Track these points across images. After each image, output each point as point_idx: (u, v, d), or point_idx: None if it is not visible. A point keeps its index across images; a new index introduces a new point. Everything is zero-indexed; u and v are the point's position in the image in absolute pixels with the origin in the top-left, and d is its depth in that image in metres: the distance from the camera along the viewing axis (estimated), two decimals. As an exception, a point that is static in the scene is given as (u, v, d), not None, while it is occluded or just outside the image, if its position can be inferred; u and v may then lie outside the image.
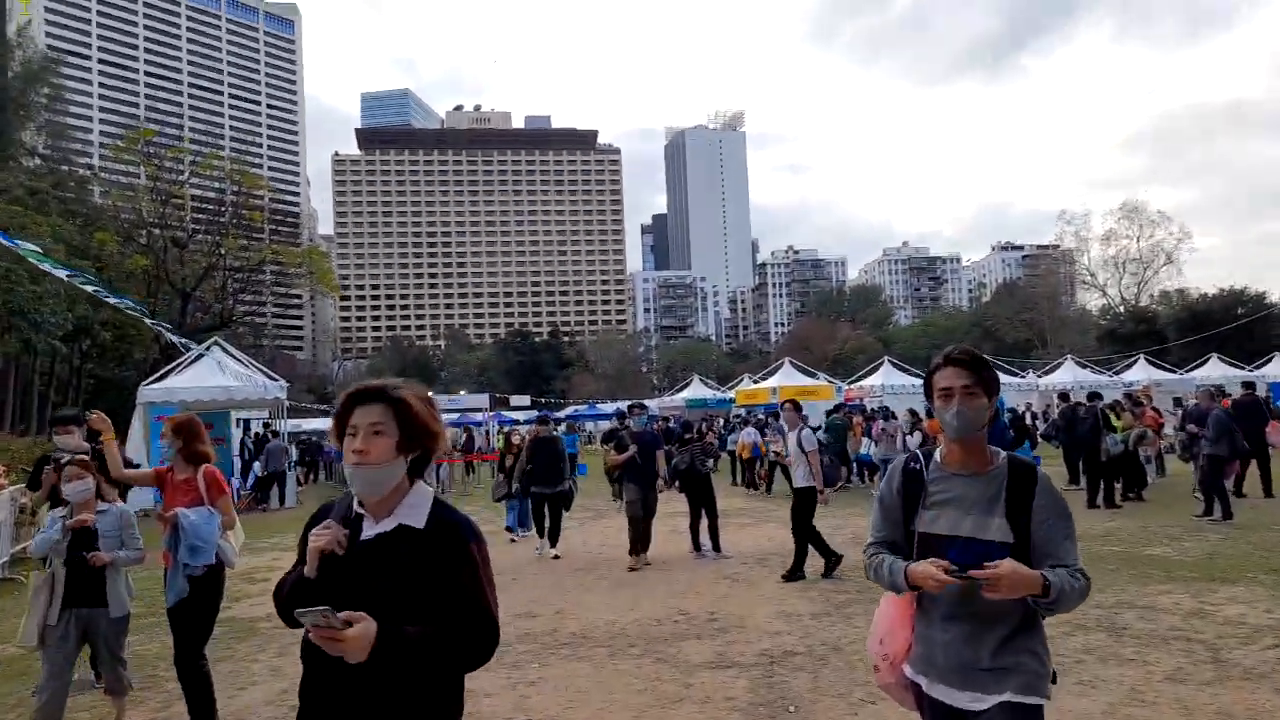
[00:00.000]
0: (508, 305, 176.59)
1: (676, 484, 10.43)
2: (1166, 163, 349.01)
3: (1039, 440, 17.15)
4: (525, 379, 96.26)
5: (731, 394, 36.49)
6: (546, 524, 10.73)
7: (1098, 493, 13.24)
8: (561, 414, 55.14)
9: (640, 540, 9.76)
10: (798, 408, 9.38)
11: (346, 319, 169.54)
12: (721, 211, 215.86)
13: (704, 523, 10.27)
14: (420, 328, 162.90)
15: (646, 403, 49.48)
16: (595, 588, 8.65)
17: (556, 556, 10.45)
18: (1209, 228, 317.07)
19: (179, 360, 20.96)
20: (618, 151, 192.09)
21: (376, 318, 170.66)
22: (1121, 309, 71.21)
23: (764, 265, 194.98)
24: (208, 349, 20.86)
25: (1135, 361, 41.44)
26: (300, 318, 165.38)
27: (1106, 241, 72.46)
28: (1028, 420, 21.45)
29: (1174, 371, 40.76)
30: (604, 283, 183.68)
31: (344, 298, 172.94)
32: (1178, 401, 31.72)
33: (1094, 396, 14.35)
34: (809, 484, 8.71)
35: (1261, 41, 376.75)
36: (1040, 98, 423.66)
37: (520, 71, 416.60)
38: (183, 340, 20.09)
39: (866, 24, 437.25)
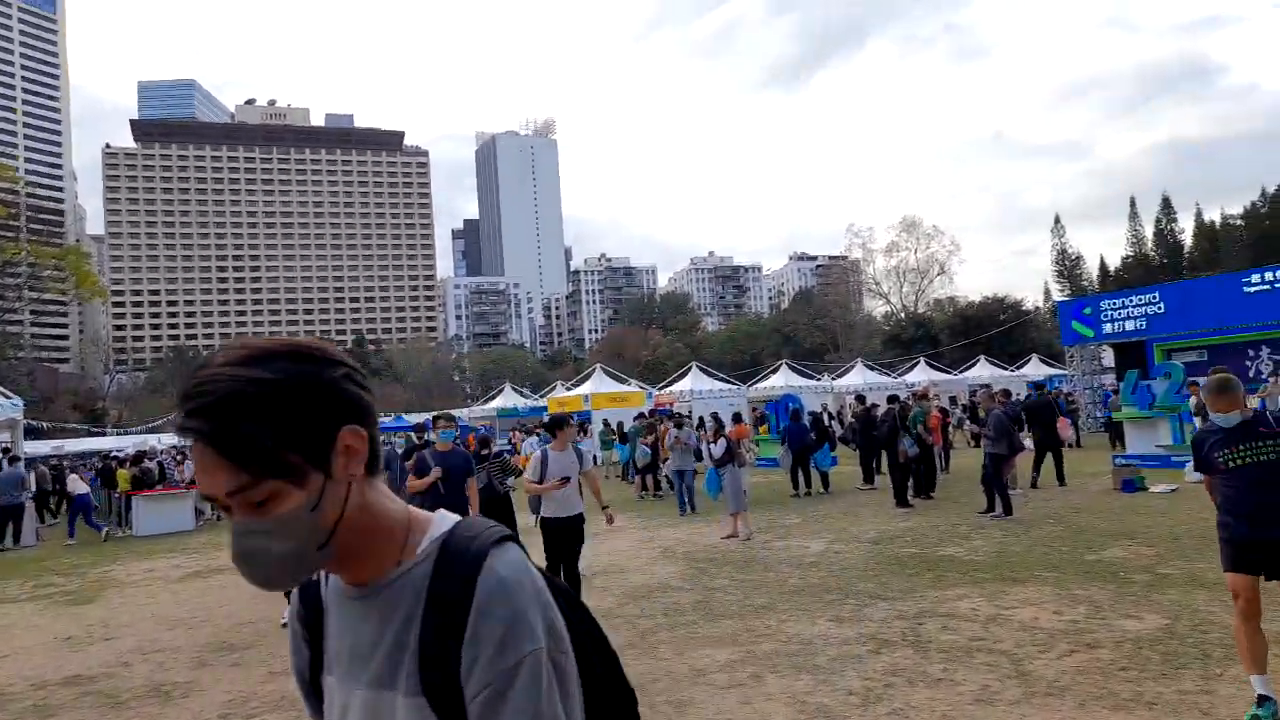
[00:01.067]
0: (307, 311, 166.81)
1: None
2: (943, 180, 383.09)
3: (837, 443, 17.58)
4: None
5: (544, 402, 35.77)
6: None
7: (904, 492, 13.66)
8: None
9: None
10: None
11: (121, 326, 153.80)
12: (534, 218, 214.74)
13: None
14: (208, 336, 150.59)
15: (456, 413, 48.10)
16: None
17: None
18: (976, 241, 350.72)
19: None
20: (425, 154, 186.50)
21: (156, 325, 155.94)
22: (903, 315, 77.04)
23: (578, 273, 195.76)
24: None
25: (916, 364, 44.48)
26: (65, 325, 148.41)
27: (889, 253, 78.34)
28: (825, 422, 22.23)
29: (949, 372, 44.07)
30: (413, 289, 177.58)
31: (118, 304, 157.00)
32: (953, 400, 34.30)
33: (893, 399, 14.82)
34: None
35: (1018, 73, 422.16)
36: (838, 115, 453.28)
37: (320, 69, 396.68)
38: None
39: (677, 37, 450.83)
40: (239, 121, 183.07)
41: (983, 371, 43.25)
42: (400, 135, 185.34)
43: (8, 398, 18.10)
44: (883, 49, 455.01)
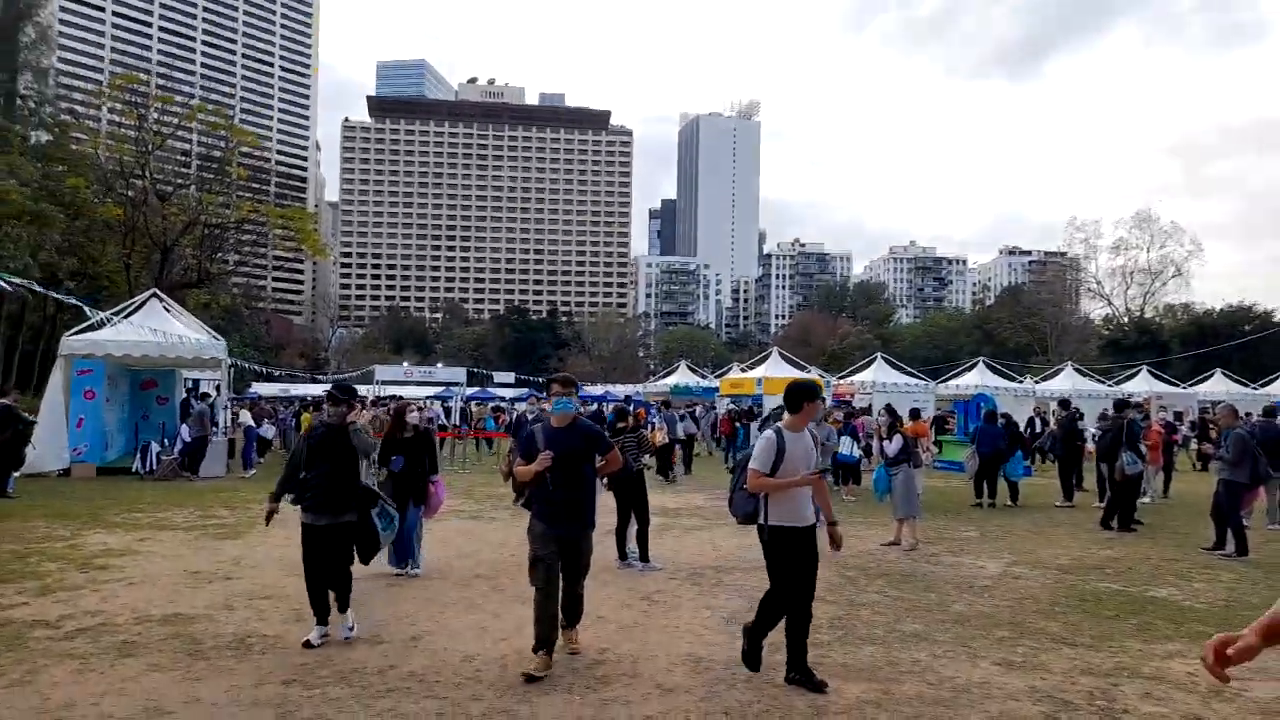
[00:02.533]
0: (508, 282, 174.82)
1: (605, 481, 8.90)
2: (1185, 177, 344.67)
3: (1033, 452, 15.56)
4: (520, 357, 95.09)
5: (717, 382, 34.96)
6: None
7: (1114, 514, 11.80)
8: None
9: (546, 623, 5.33)
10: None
11: (347, 285, 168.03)
12: (731, 201, 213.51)
13: (634, 528, 8.77)
14: (420, 299, 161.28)
15: (633, 389, 48.16)
16: (479, 606, 7.14)
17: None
18: (1219, 244, 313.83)
19: (118, 309, 19.41)
20: (630, 133, 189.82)
21: (376, 287, 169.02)
22: (1126, 319, 69.89)
23: (769, 256, 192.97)
24: (144, 302, 19.32)
25: (1138, 372, 39.96)
26: (301, 283, 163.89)
27: (1116, 250, 71.12)
28: (1038, 428, 19.89)
29: (1176, 384, 39.45)
30: (607, 265, 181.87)
31: (345, 265, 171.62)
32: (1178, 416, 30.34)
33: (1122, 406, 12.83)
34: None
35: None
36: (1064, 104, 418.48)
37: (538, 49, 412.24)
38: (95, 311, 18.39)
39: (894, 20, 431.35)
40: (461, 99, 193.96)
41: (1218, 386, 38.34)
42: (607, 115, 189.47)
43: (216, 338, 19.46)
44: (1127, 33, 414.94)
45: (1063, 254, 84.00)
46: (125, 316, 19.07)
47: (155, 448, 17.40)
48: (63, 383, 17.50)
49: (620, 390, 51.23)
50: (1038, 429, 19.50)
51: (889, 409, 11.35)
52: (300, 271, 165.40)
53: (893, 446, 10.62)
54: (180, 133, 44.02)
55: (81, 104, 50.98)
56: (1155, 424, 14.81)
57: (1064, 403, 16.01)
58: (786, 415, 5.32)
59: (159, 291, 20.07)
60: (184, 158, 47.21)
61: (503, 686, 5.04)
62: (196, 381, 23.97)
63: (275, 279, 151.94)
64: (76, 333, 17.67)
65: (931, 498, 15.27)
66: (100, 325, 18.10)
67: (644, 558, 8.62)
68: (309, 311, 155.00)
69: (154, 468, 17.28)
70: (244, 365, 29.98)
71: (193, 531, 10.50)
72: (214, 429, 17.39)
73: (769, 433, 5.31)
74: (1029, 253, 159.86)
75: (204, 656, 5.47)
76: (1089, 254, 73.51)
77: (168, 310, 19.54)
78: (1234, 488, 10.25)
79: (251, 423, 17.43)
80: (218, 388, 24.75)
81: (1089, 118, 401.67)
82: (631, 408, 11.36)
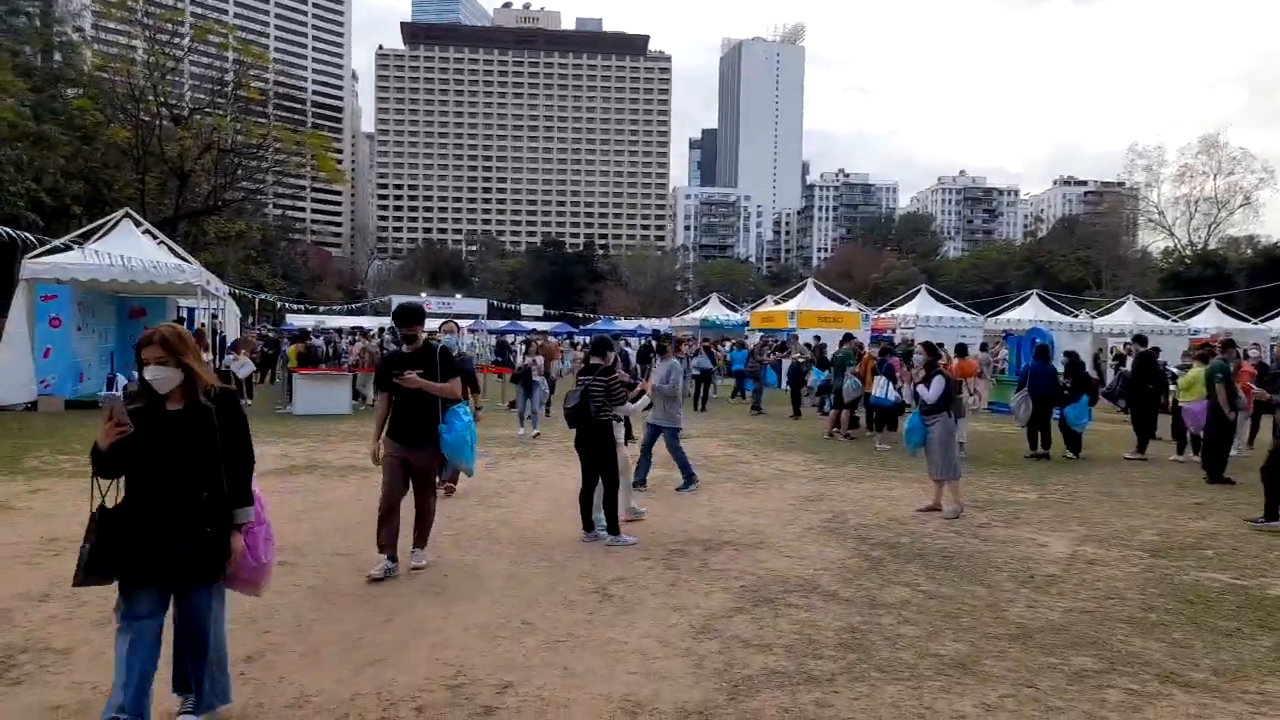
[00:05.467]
0: (546, 213, 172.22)
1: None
2: (1256, 103, 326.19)
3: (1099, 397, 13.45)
4: (556, 290, 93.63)
5: (747, 316, 32.92)
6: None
7: (1223, 466, 9.97)
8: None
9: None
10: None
11: (384, 218, 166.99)
12: (774, 129, 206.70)
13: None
14: (457, 231, 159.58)
15: (666, 323, 46.33)
16: (407, 601, 5.46)
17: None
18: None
19: (84, 231, 17.92)
20: (669, 59, 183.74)
21: (414, 219, 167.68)
22: (1188, 251, 65.98)
23: (812, 188, 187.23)
24: (116, 223, 17.78)
25: (1205, 307, 37.14)
26: (339, 215, 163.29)
27: (1180, 178, 66.74)
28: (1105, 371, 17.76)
29: (1246, 320, 36.60)
30: (645, 197, 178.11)
31: (382, 196, 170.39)
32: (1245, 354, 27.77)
33: (1228, 345, 10.86)
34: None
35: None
36: (1128, 28, 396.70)
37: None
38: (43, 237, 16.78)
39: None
40: (496, 25, 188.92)
41: (1294, 322, 35.41)
42: (645, 39, 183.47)
43: (188, 261, 17.96)
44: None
45: (1121, 185, 79.51)
46: (99, 238, 17.56)
47: (122, 380, 16.03)
48: (26, 310, 16.17)
49: (651, 325, 49.50)
50: (1104, 371, 17.36)
51: (927, 345, 9.32)
52: (338, 204, 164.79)
53: (932, 391, 8.60)
54: (193, 56, 42.23)
55: (95, 26, 49.29)
56: (1248, 364, 12.61)
57: (1140, 338, 13.81)
58: None
59: (131, 212, 18.47)
60: (194, 82, 45.45)
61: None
62: (191, 310, 22.57)
63: (315, 210, 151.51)
64: (36, 256, 16.22)
65: (979, 447, 13.34)
66: (65, 248, 16.64)
67: (612, 529, 6.87)
68: (348, 244, 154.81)
69: (125, 403, 15.96)
70: (249, 295, 28.59)
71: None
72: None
73: None
74: (1084, 183, 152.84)
75: None
76: (1151, 182, 69.26)
77: (156, 235, 18.10)
78: None
79: (205, 357, 15.81)
80: (213, 316, 23.53)
81: (1153, 43, 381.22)
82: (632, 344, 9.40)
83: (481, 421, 7.86)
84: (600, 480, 6.90)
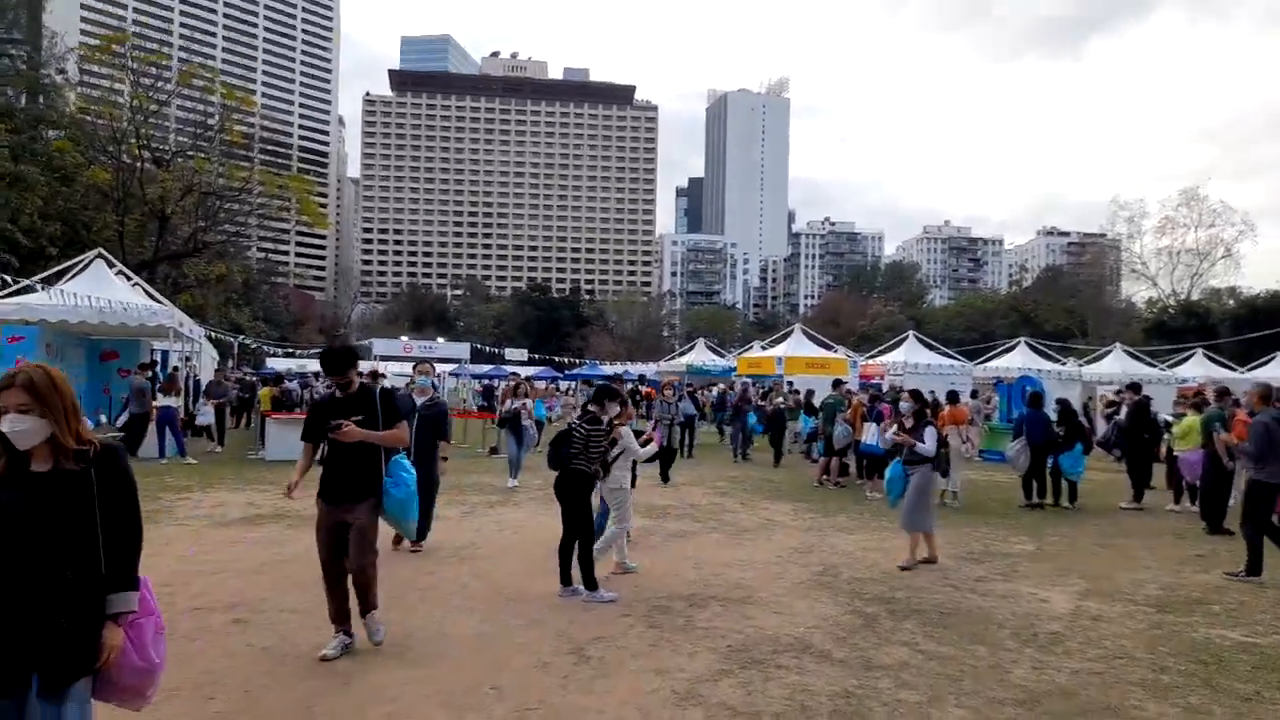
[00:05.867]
0: (531, 259, 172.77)
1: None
2: (1231, 158, 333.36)
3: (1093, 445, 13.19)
4: (541, 335, 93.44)
5: (735, 361, 32.69)
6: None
7: (1223, 517, 9.84)
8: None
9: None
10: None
11: (369, 262, 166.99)
12: (760, 178, 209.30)
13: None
14: (441, 275, 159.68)
15: (651, 368, 46.11)
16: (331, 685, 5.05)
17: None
18: (1263, 229, 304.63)
19: (56, 270, 17.56)
20: (655, 109, 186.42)
21: (399, 263, 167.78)
22: (1172, 301, 66.68)
23: (798, 236, 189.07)
24: (88, 264, 17.44)
25: (1191, 355, 37.23)
26: (323, 258, 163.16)
27: (1161, 230, 67.77)
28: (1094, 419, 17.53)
29: (1232, 368, 36.71)
30: (631, 243, 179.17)
31: (366, 240, 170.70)
32: (1237, 403, 27.72)
33: (1223, 393, 10.70)
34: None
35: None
36: (1105, 83, 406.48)
37: (563, 24, 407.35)
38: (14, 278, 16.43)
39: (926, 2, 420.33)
40: (483, 74, 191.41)
41: (1278, 370, 35.50)
42: (631, 90, 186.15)
43: (161, 304, 17.60)
44: (1171, 14, 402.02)
45: (1103, 235, 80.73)
46: (70, 279, 17.21)
47: (88, 423, 15.55)
48: (-10, 351, 15.71)
49: (637, 370, 49.17)
50: (1094, 420, 17.15)
51: (915, 394, 9.04)
52: (322, 248, 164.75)
53: (929, 443, 8.26)
54: (175, 100, 42.29)
55: (85, 72, 49.43)
56: (1241, 412, 12.41)
57: (1134, 386, 13.61)
58: None
59: (104, 252, 18.15)
60: (177, 125, 45.48)
61: None
62: (166, 353, 22.13)
63: (298, 254, 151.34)
64: (4, 296, 15.83)
65: (972, 496, 13.04)
66: (34, 290, 16.26)
67: (588, 584, 6.48)
68: (331, 288, 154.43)
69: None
70: (225, 338, 28.18)
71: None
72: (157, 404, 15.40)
73: None
74: (1067, 234, 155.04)
75: None
76: (1133, 233, 70.25)
77: (130, 277, 17.74)
78: (1261, 492, 7.97)
79: (169, 401, 15.16)
80: (186, 359, 23.10)
81: (1130, 99, 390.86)
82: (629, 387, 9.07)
83: (453, 470, 7.47)
84: (573, 533, 6.54)
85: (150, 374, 16.14)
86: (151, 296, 17.82)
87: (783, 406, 19.91)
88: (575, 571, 6.57)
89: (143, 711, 2.90)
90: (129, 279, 18.65)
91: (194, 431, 19.58)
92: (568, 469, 6.53)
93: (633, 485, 8.01)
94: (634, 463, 7.70)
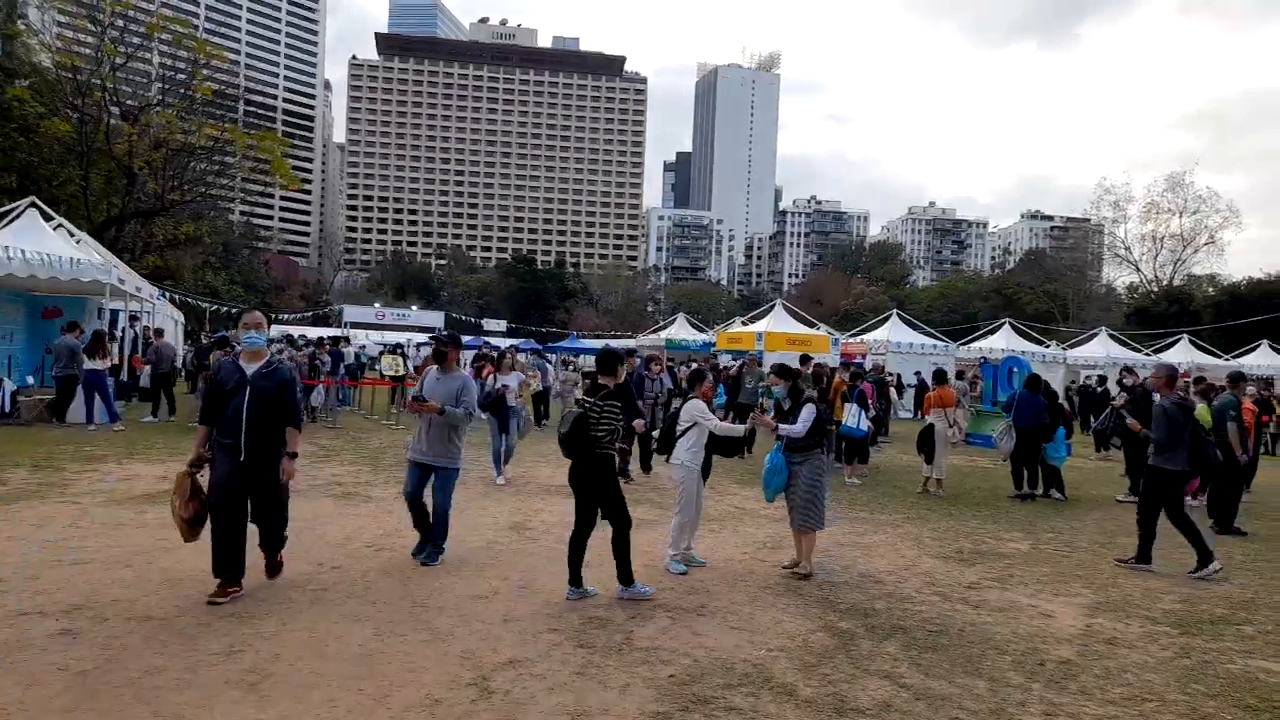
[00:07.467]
0: (517, 229, 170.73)
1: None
2: (1216, 147, 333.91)
3: (1074, 430, 12.29)
4: (525, 306, 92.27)
5: (714, 336, 31.70)
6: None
7: (1234, 515, 9.35)
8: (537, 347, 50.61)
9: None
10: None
11: (353, 229, 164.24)
12: (748, 155, 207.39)
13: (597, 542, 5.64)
14: (426, 244, 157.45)
15: (634, 342, 44.95)
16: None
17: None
18: (1251, 217, 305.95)
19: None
20: (644, 81, 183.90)
21: (383, 230, 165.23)
22: (1155, 287, 66.31)
23: (785, 213, 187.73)
24: (21, 212, 16.11)
25: (1177, 341, 36.79)
26: (308, 224, 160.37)
27: (1146, 215, 67.29)
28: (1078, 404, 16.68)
29: (1217, 355, 36.48)
30: (618, 216, 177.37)
31: (351, 206, 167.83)
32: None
33: (1237, 379, 9.84)
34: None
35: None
36: (1095, 70, 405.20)
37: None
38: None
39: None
40: (471, 40, 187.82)
41: (1264, 360, 35.23)
42: (621, 60, 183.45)
43: (97, 259, 16.36)
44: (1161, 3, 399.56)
45: (1086, 220, 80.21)
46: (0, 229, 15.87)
47: (9, 385, 14.35)
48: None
49: (620, 344, 48.08)
50: (1074, 403, 16.30)
51: (781, 370, 7.40)
52: (308, 213, 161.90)
53: (800, 423, 6.70)
54: (144, 52, 40.37)
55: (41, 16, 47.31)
56: (1248, 402, 11.55)
57: (1128, 369, 12.70)
58: None
59: (38, 201, 16.80)
60: (144, 79, 43.57)
61: None
62: (116, 313, 20.84)
63: (282, 219, 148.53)
64: (-81, 245, 14.48)
65: (957, 484, 12.13)
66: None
67: (623, 578, 5.80)
68: (315, 254, 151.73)
69: (12, 409, 14.28)
70: (199, 303, 26.76)
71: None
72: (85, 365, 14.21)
73: None
74: (1051, 218, 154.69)
75: None
76: (1118, 218, 69.73)
77: (73, 232, 16.45)
78: (1168, 481, 7.44)
79: (95, 364, 13.94)
80: (133, 317, 21.88)
81: (1119, 85, 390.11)
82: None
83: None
84: (610, 523, 5.74)
85: (79, 333, 14.89)
86: (100, 253, 16.53)
87: (761, 388, 18.91)
88: (586, 570, 5.83)
89: None
90: (72, 235, 17.35)
91: (141, 396, 18.42)
92: (592, 454, 5.61)
93: (706, 474, 7.01)
94: (708, 450, 6.78)
